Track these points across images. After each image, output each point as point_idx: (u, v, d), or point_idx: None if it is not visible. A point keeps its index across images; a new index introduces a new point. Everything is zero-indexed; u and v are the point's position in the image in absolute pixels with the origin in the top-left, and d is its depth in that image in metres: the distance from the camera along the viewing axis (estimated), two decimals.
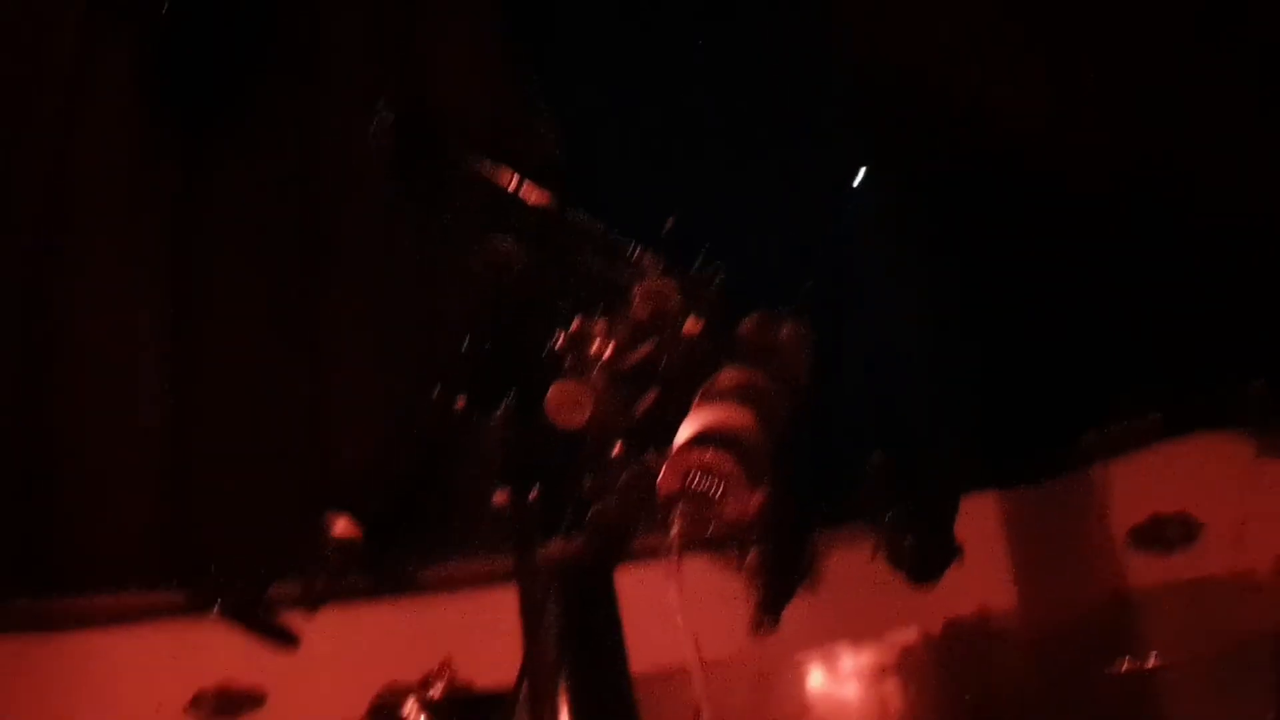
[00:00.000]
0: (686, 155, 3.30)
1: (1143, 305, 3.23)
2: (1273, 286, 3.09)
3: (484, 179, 1.69)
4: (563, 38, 3.44)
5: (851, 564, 2.83)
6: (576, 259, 1.62)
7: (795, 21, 3.43)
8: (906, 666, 3.40)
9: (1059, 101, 3.39)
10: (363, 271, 3.62)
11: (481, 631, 2.31)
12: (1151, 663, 3.20)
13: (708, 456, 1.28)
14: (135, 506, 3.43)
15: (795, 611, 1.50)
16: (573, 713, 1.57)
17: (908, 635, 3.40)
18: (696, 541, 1.30)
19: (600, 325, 1.52)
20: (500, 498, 1.62)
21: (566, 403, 1.46)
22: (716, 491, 1.28)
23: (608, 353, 1.50)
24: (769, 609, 1.44)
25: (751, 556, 1.45)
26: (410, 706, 2.58)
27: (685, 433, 1.32)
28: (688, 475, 1.28)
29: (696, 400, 1.37)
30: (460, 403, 1.66)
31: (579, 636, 1.60)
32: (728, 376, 1.40)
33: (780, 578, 1.44)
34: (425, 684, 2.60)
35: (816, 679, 3.45)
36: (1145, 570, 3.35)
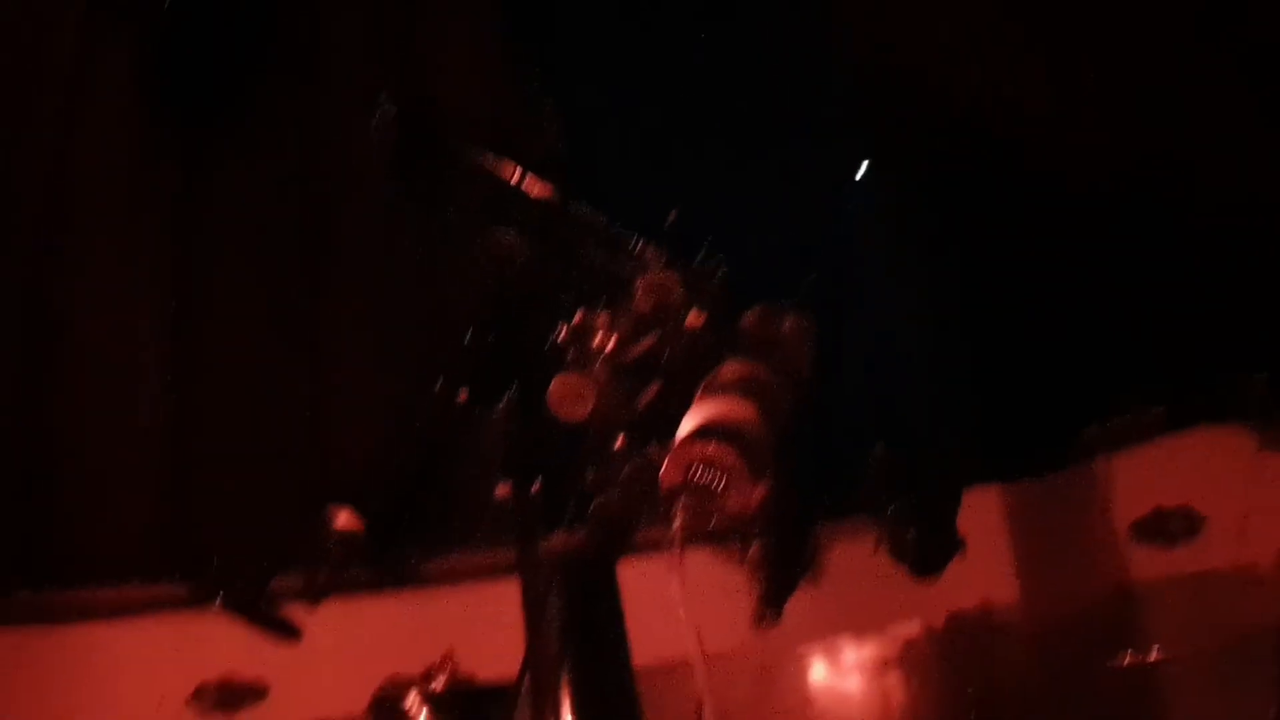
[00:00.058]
0: (689, 149, 3.30)
1: (1144, 300, 3.22)
2: (1274, 281, 3.09)
3: (486, 173, 1.69)
4: (564, 33, 3.44)
5: (854, 557, 2.83)
6: (579, 252, 1.62)
7: (796, 18, 3.43)
8: (909, 660, 3.40)
9: (1059, 98, 3.39)
10: (363, 268, 3.62)
11: (483, 624, 2.31)
12: (1154, 656, 3.20)
13: (710, 450, 1.28)
14: (137, 501, 3.43)
15: (798, 604, 1.50)
16: (575, 705, 1.57)
17: (910, 628, 3.40)
18: (699, 534, 1.30)
19: (603, 318, 1.52)
20: (502, 491, 1.62)
21: (569, 396, 1.46)
22: (719, 485, 1.28)
23: (610, 346, 1.50)
24: (771, 602, 1.44)
25: (754, 549, 1.45)
26: (412, 699, 2.58)
27: (688, 426, 1.32)
28: (690, 468, 1.28)
29: (699, 393, 1.37)
30: (462, 396, 1.66)
31: (581, 629, 1.60)
32: (730, 369, 1.40)
33: (783, 571, 1.44)
34: (427, 677, 2.61)
35: (819, 672, 3.45)
36: (1148, 564, 3.35)
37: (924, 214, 3.49)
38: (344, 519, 1.85)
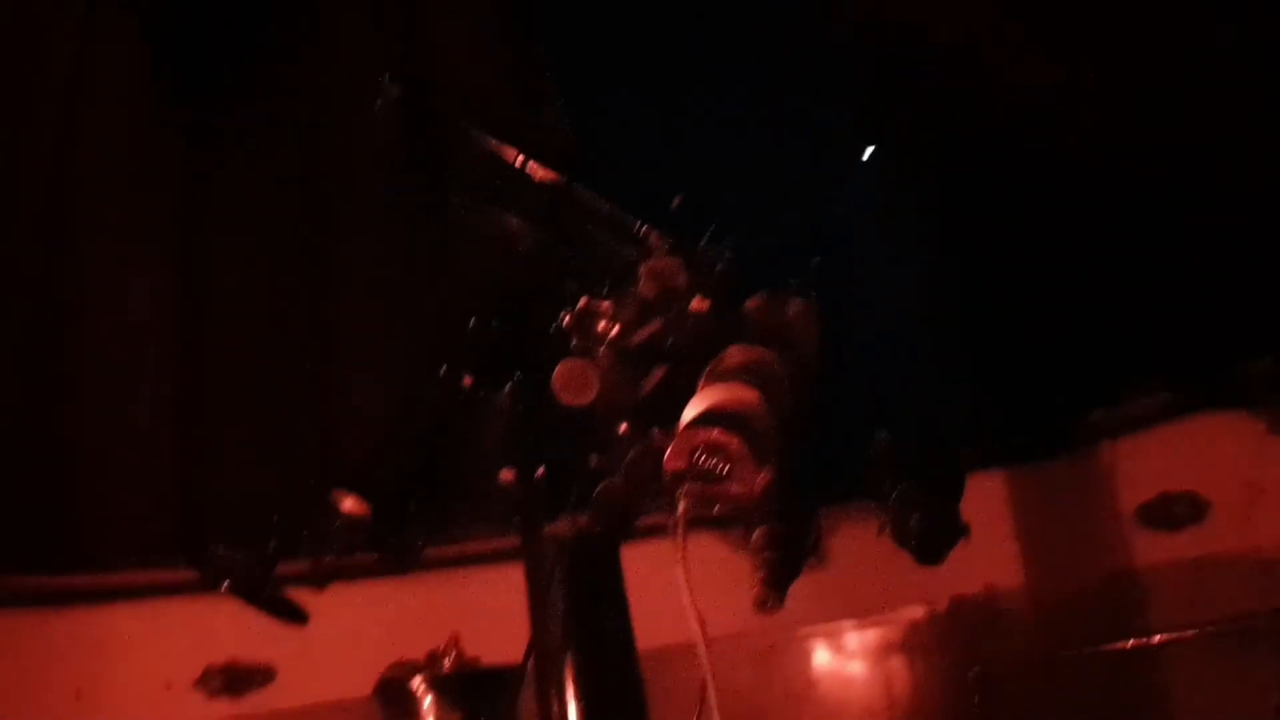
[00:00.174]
0: (693, 134, 3.29)
1: (1150, 285, 3.22)
2: None
3: (490, 156, 1.68)
4: (567, 16, 3.43)
5: (857, 542, 2.82)
6: (583, 237, 1.62)
7: (801, 1, 3.42)
8: (912, 643, 3.41)
9: (1062, 78, 3.38)
10: (369, 253, 3.62)
11: (488, 608, 2.32)
12: (1158, 640, 3.21)
13: (714, 435, 1.28)
14: (145, 485, 3.44)
15: (801, 589, 1.50)
16: (579, 688, 1.58)
17: (914, 613, 3.41)
18: (702, 519, 1.30)
19: (607, 304, 1.52)
20: (507, 475, 1.62)
21: (573, 381, 1.47)
22: (723, 470, 1.28)
23: (614, 331, 1.50)
24: (774, 586, 1.44)
25: (757, 534, 1.45)
26: (418, 682, 2.59)
27: (692, 411, 1.32)
28: (694, 454, 1.28)
29: (703, 378, 1.37)
30: (467, 381, 1.66)
31: (585, 613, 1.61)
32: (734, 355, 1.40)
33: (786, 555, 1.44)
34: (433, 660, 2.62)
35: (822, 656, 3.46)
36: (1152, 548, 3.35)
37: (929, 200, 3.49)
38: (350, 503, 1.86)
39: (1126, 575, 3.38)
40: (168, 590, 3.30)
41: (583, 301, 1.53)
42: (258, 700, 3.32)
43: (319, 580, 2.19)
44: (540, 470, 1.60)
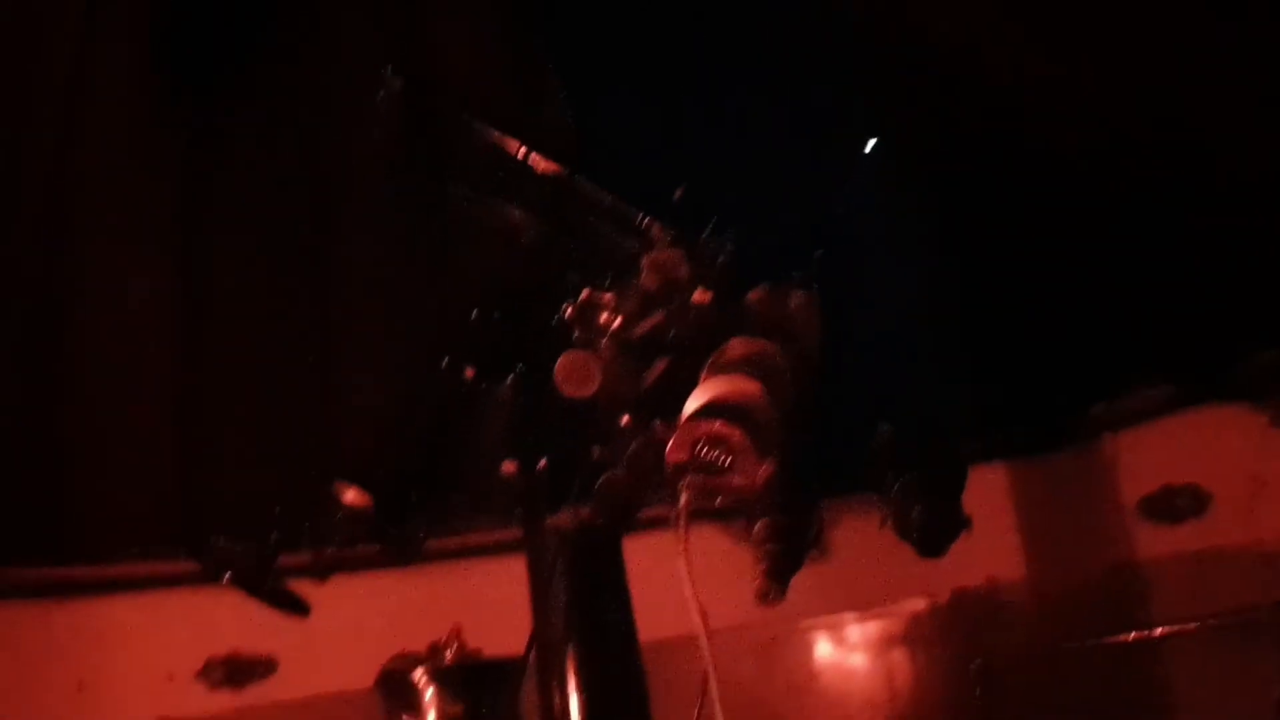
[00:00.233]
0: (696, 126, 3.29)
1: (1153, 278, 3.21)
2: None
3: (492, 148, 1.68)
4: (569, 9, 3.42)
5: (859, 534, 2.82)
6: (585, 229, 1.61)
7: None
8: (914, 636, 3.41)
9: (1065, 71, 3.37)
10: (371, 245, 3.62)
11: (490, 600, 2.32)
12: (1159, 633, 3.21)
13: (716, 427, 1.28)
14: (147, 477, 3.44)
15: (803, 581, 1.50)
16: (581, 680, 1.58)
17: (915, 605, 3.41)
18: (704, 511, 1.30)
19: (609, 296, 1.51)
20: (509, 467, 1.62)
21: (576, 373, 1.46)
22: (725, 462, 1.28)
23: (617, 323, 1.49)
24: (776, 578, 1.44)
25: (759, 526, 1.45)
26: (420, 674, 2.60)
27: (694, 403, 1.32)
28: (696, 446, 1.28)
29: (705, 371, 1.37)
30: (469, 373, 1.66)
31: (587, 605, 1.61)
32: (736, 347, 1.40)
33: (788, 547, 1.44)
34: (435, 652, 2.62)
35: (824, 648, 3.46)
36: (1155, 541, 3.35)
37: (931, 193, 3.48)
38: (352, 495, 1.86)
39: (1128, 568, 3.38)
40: (169, 582, 3.31)
41: (585, 293, 1.52)
42: (259, 692, 3.33)
43: (321, 572, 2.19)
44: (542, 462, 1.60)
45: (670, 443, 1.30)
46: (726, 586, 1.41)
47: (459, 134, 1.71)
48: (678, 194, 1.59)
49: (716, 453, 1.28)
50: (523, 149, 1.66)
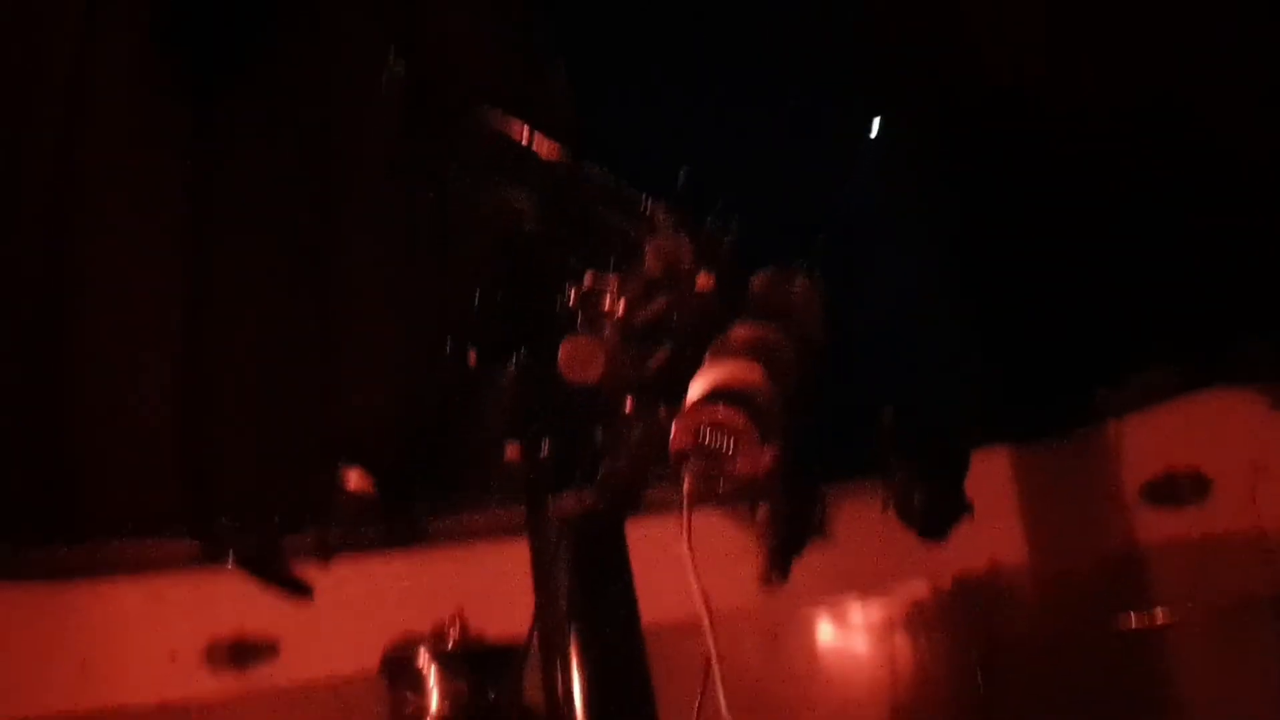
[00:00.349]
0: (700, 109, 3.28)
1: (1156, 263, 3.21)
2: None
3: (495, 132, 1.68)
4: None
5: (862, 519, 2.83)
6: (589, 214, 1.61)
7: None
8: (916, 620, 3.41)
9: (1066, 55, 3.36)
10: (375, 228, 3.62)
11: (493, 583, 2.33)
12: (1161, 618, 3.21)
13: (719, 413, 1.28)
14: (151, 458, 3.45)
15: (805, 565, 1.50)
16: (584, 664, 1.58)
17: (917, 589, 3.42)
18: (707, 496, 1.30)
19: (613, 281, 1.51)
20: (512, 452, 1.62)
21: (579, 358, 1.46)
22: (728, 448, 1.28)
23: (620, 308, 1.49)
24: (778, 563, 1.44)
25: (762, 511, 1.46)
26: (423, 657, 2.60)
27: (697, 389, 1.32)
28: (699, 432, 1.28)
29: (708, 356, 1.37)
30: (473, 357, 1.66)
31: (590, 589, 1.61)
32: (740, 332, 1.40)
33: (790, 532, 1.45)
34: (437, 635, 2.62)
35: (826, 632, 3.47)
36: (1157, 526, 3.35)
37: (934, 179, 3.48)
38: (355, 478, 1.86)
39: (1131, 553, 3.38)
40: (173, 563, 3.31)
41: (588, 278, 1.52)
42: (262, 673, 3.33)
43: (324, 554, 2.20)
44: (545, 447, 1.60)
45: (674, 428, 1.30)
46: (729, 571, 1.41)
47: (462, 117, 1.71)
48: (681, 178, 1.58)
49: (720, 438, 1.28)
50: (526, 133, 1.66)
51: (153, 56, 3.48)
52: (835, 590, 3.37)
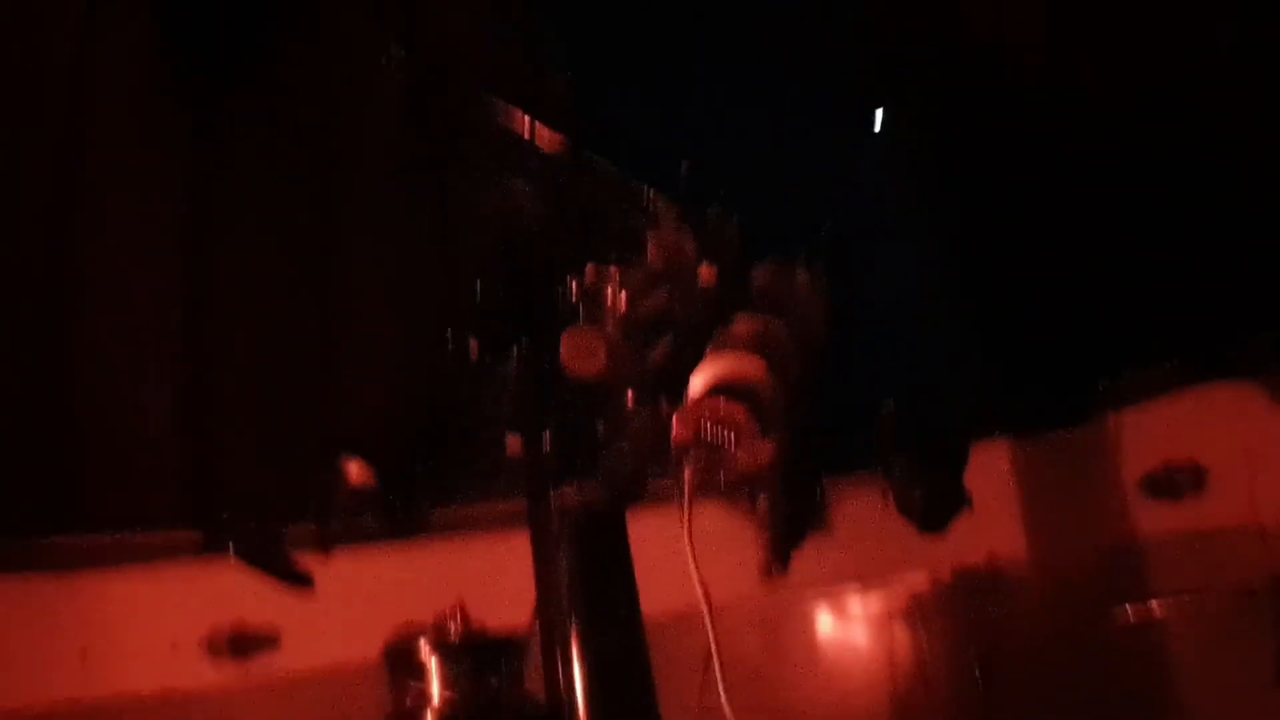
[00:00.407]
0: (702, 101, 3.28)
1: (1155, 256, 3.21)
2: None
3: (497, 124, 1.68)
4: None
5: (861, 511, 2.84)
6: (591, 205, 1.61)
7: None
8: (915, 612, 3.42)
9: (1067, 47, 3.36)
10: (377, 220, 3.62)
11: (494, 574, 2.33)
12: (1160, 609, 3.22)
13: (721, 406, 1.28)
14: (152, 448, 3.45)
15: (805, 557, 1.51)
16: (585, 655, 1.59)
17: (917, 582, 3.42)
18: (708, 489, 1.31)
19: (615, 273, 1.51)
20: (514, 444, 1.63)
21: (581, 351, 1.47)
22: (729, 441, 1.28)
23: (622, 301, 1.49)
24: (779, 554, 1.45)
25: (762, 503, 1.46)
26: (424, 648, 2.60)
27: (699, 382, 1.32)
28: (701, 425, 1.29)
29: (710, 349, 1.37)
30: (475, 350, 1.66)
31: (591, 580, 1.62)
32: (742, 325, 1.40)
33: (790, 524, 1.45)
34: (439, 626, 2.63)
35: (826, 624, 3.48)
36: (1155, 518, 3.36)
37: (935, 171, 3.48)
38: (356, 469, 1.87)
39: (1129, 544, 3.39)
40: (174, 552, 3.32)
41: (590, 271, 1.53)
42: (263, 663, 3.34)
43: (325, 545, 2.20)
44: (547, 440, 1.60)
45: (675, 421, 1.30)
46: (730, 562, 1.42)
47: (464, 108, 1.71)
48: (684, 170, 1.58)
49: (720, 432, 1.28)
50: (528, 124, 1.66)
51: (153, 56, 3.47)
52: (835, 582, 3.38)
